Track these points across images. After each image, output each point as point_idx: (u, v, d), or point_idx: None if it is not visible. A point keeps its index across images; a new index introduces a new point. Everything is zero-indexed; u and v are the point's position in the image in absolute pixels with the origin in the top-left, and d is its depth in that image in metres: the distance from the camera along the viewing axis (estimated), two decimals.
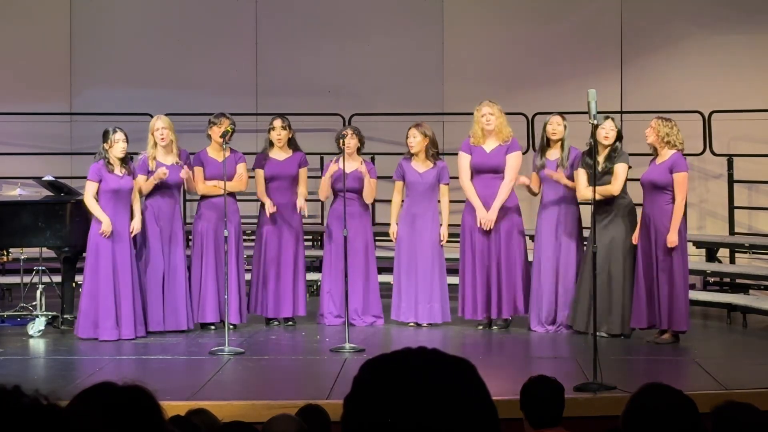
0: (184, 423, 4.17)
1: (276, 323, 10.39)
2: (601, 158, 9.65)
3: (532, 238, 10.44)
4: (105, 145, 9.69)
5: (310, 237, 12.36)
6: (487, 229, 10.06)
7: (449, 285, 10.39)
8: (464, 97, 12.77)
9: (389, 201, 10.68)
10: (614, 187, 9.67)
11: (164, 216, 9.96)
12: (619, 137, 9.83)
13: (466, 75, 13.42)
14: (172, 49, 13.60)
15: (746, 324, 10.46)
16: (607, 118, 9.76)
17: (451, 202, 10.47)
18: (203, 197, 10.29)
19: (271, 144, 10.42)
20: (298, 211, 10.26)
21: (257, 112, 13.37)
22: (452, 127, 12.86)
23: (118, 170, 9.66)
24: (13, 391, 1.78)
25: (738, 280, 11.74)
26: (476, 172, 10.15)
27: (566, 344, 9.63)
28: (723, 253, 12.03)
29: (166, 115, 10.18)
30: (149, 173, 9.90)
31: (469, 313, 10.17)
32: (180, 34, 13.65)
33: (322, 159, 11.95)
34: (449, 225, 10.37)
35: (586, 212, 9.89)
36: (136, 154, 10.15)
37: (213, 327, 10.10)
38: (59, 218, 9.94)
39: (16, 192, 10.35)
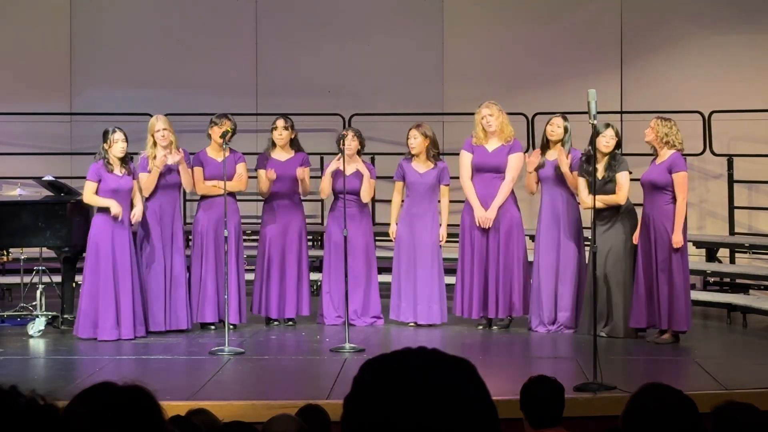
0: (184, 423, 4.17)
1: (276, 323, 10.38)
2: (600, 166, 9.64)
3: (532, 238, 10.44)
4: (105, 145, 9.69)
5: (311, 237, 12.36)
6: (485, 228, 10.06)
7: (448, 285, 10.39)
8: (464, 97, 12.77)
9: (389, 201, 10.68)
10: (620, 198, 9.68)
11: (165, 216, 9.96)
12: (618, 145, 9.82)
13: (466, 75, 13.42)
14: (172, 49, 13.59)
15: (746, 324, 10.46)
16: (607, 126, 9.73)
17: (451, 202, 10.47)
18: (203, 197, 10.29)
19: (273, 144, 10.42)
20: (299, 177, 10.23)
21: (257, 112, 13.37)
22: (452, 127, 12.86)
23: (118, 170, 9.66)
24: (10, 391, 1.77)
25: (738, 280, 11.74)
26: (477, 171, 10.16)
27: (566, 344, 9.63)
28: (723, 253, 12.03)
29: (166, 115, 10.17)
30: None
31: (462, 311, 10.16)
32: (180, 34, 13.65)
33: (322, 159, 11.95)
34: (449, 225, 10.37)
35: (586, 212, 9.88)
36: (136, 154, 10.15)
37: (213, 327, 10.10)
38: (59, 218, 9.94)
39: (16, 192, 10.34)
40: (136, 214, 9.69)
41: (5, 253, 10.59)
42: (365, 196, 10.37)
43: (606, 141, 9.65)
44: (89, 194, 9.65)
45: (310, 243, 10.95)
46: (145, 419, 2.22)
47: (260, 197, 10.74)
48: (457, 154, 10.46)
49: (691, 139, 11.23)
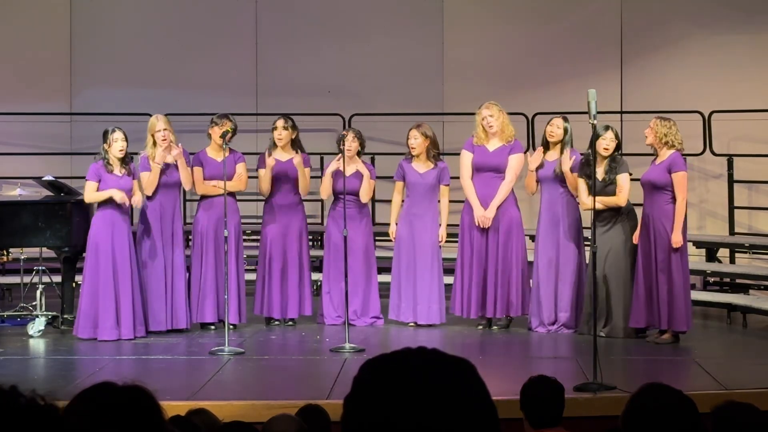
0: (184, 423, 4.17)
1: (277, 323, 10.38)
2: (601, 169, 9.63)
3: (532, 238, 10.44)
4: (105, 145, 9.69)
5: (311, 237, 12.36)
6: (483, 227, 10.06)
7: (447, 285, 10.39)
8: (464, 97, 12.77)
9: (389, 201, 10.68)
10: (620, 199, 9.68)
11: (165, 214, 9.96)
12: (618, 147, 9.81)
13: (466, 75, 13.42)
14: (172, 49, 13.59)
15: (746, 324, 10.46)
16: (607, 128, 9.72)
17: (451, 202, 10.47)
18: (203, 197, 10.29)
19: (274, 144, 10.41)
20: (295, 164, 10.23)
21: (257, 112, 13.37)
22: (452, 127, 12.86)
23: (118, 170, 9.66)
24: (10, 391, 1.77)
25: (738, 280, 11.74)
26: (477, 170, 10.16)
27: (566, 344, 9.63)
28: (723, 253, 12.03)
29: (166, 115, 10.16)
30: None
31: (461, 310, 10.16)
32: (180, 34, 13.65)
33: (322, 159, 11.95)
34: (449, 225, 10.37)
35: (585, 213, 9.88)
36: (136, 154, 10.14)
37: (213, 327, 10.10)
38: (59, 218, 9.94)
39: (16, 192, 10.34)
40: (137, 200, 9.68)
41: (5, 253, 10.59)
42: (364, 197, 10.37)
43: (606, 144, 9.65)
44: (90, 192, 9.64)
45: (310, 243, 10.94)
46: (145, 419, 2.22)
47: (260, 197, 10.74)
48: (457, 154, 10.46)
49: (691, 139, 11.23)
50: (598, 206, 9.04)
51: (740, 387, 7.46)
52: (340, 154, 10.15)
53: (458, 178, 10.27)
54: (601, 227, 9.64)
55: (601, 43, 13.25)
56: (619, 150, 9.85)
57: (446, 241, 10.43)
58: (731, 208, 12.16)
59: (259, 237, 10.74)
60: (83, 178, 9.94)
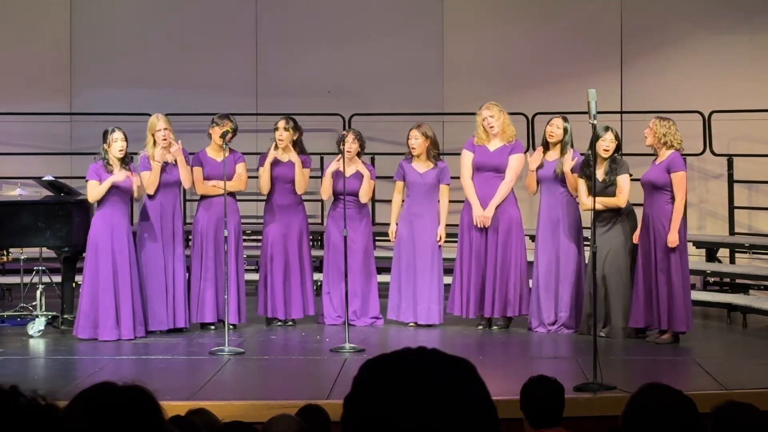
0: (184, 423, 4.17)
1: (279, 324, 10.37)
2: (601, 170, 9.63)
3: (532, 238, 10.44)
4: (104, 145, 9.69)
5: (311, 237, 12.36)
6: (482, 226, 10.07)
7: (446, 285, 10.39)
8: (464, 97, 12.78)
9: (389, 201, 10.68)
10: (620, 200, 9.67)
11: (166, 213, 9.96)
12: (618, 148, 9.80)
13: (466, 75, 13.42)
14: (172, 49, 13.59)
15: (746, 324, 10.46)
16: (607, 129, 9.72)
17: (451, 202, 10.47)
18: (203, 197, 10.28)
19: (276, 146, 10.39)
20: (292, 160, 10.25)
21: (257, 112, 13.37)
22: (452, 127, 12.86)
23: (117, 170, 9.65)
24: (10, 391, 1.77)
25: (738, 280, 11.74)
26: (477, 170, 10.17)
27: (566, 344, 9.63)
28: (723, 253, 12.03)
29: (166, 115, 10.16)
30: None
31: (457, 309, 10.16)
32: (180, 34, 13.65)
33: (322, 159, 11.95)
34: (448, 225, 10.37)
35: (585, 213, 9.88)
36: (136, 154, 10.14)
37: (213, 327, 10.10)
38: (59, 218, 9.94)
39: (16, 192, 10.34)
40: (137, 181, 9.66)
41: (5, 253, 10.59)
42: (364, 197, 10.37)
43: (606, 145, 9.64)
44: (93, 190, 9.60)
45: (310, 243, 10.94)
46: (145, 419, 2.22)
47: (260, 197, 10.74)
48: (457, 154, 10.46)
49: (691, 139, 11.23)
50: (598, 207, 9.03)
51: (740, 387, 7.46)
52: (340, 155, 10.15)
53: (458, 178, 10.28)
54: (601, 227, 9.64)
55: (601, 43, 13.25)
56: (619, 151, 9.84)
57: (445, 241, 10.43)
58: (731, 208, 12.16)
59: (259, 237, 10.74)
60: (83, 178, 9.94)
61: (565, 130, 10.01)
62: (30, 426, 1.74)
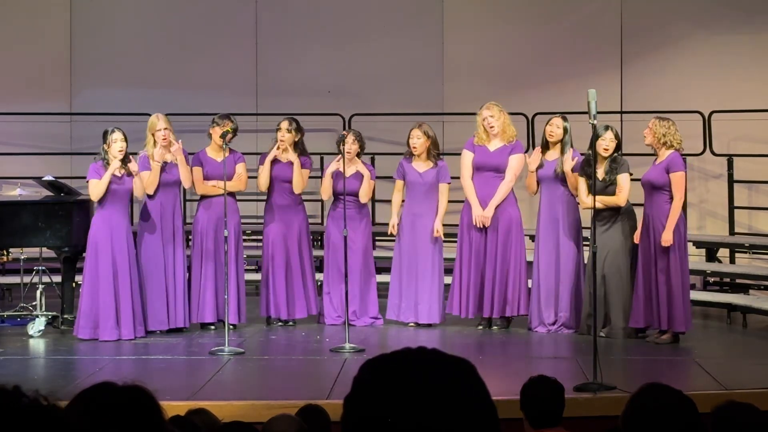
0: (184, 423, 4.17)
1: (280, 324, 10.36)
2: (601, 169, 9.63)
3: (532, 238, 10.44)
4: (104, 145, 9.68)
5: (311, 237, 12.36)
6: (481, 226, 10.07)
7: (446, 285, 10.39)
8: (464, 97, 12.78)
9: (389, 201, 10.68)
10: (620, 199, 9.67)
11: (166, 213, 9.96)
12: (618, 147, 9.80)
13: (466, 75, 13.42)
14: (172, 49, 13.60)
15: (746, 324, 10.46)
16: (607, 128, 9.72)
17: (451, 201, 10.46)
18: (203, 197, 10.29)
19: (277, 146, 10.37)
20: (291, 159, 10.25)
21: (257, 112, 13.37)
22: (452, 127, 12.86)
23: (118, 171, 9.65)
24: (13, 391, 1.77)
25: (738, 280, 11.74)
26: (477, 170, 10.17)
27: (566, 344, 9.63)
28: (723, 253, 12.03)
29: (166, 115, 10.16)
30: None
31: (456, 309, 10.16)
32: (180, 34, 13.65)
33: (322, 159, 11.95)
34: (448, 225, 10.37)
35: (585, 213, 9.89)
36: (135, 153, 10.14)
37: (213, 327, 10.10)
38: (59, 218, 9.94)
39: (16, 192, 10.34)
40: (135, 168, 9.64)
41: (5, 253, 10.59)
42: (363, 197, 10.37)
43: (605, 144, 9.64)
44: (94, 187, 9.59)
45: (311, 243, 10.94)
46: (145, 419, 2.22)
47: (260, 197, 10.74)
48: (457, 154, 10.47)
49: (691, 139, 11.23)
50: (598, 205, 9.03)
51: (740, 387, 7.46)
52: (340, 155, 10.15)
53: (458, 178, 10.28)
54: (601, 226, 9.64)
55: (601, 43, 13.25)
56: (619, 150, 9.84)
57: (445, 241, 10.44)
58: (731, 208, 12.16)
59: (259, 237, 10.74)
60: (83, 178, 9.94)
61: (565, 130, 10.01)
62: (32, 426, 1.74)
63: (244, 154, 10.43)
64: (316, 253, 11.32)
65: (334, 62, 13.55)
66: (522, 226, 10.22)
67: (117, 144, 9.60)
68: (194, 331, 10.04)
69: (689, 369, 8.54)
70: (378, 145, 12.47)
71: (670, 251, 9.31)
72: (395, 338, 9.88)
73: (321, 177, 10.62)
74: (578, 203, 9.96)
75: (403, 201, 10.42)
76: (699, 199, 12.70)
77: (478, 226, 10.08)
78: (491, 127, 10.11)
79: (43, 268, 10.41)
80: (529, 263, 10.20)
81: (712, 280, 11.88)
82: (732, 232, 12.12)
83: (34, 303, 10.09)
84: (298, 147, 10.38)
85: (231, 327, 9.46)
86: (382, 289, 10.52)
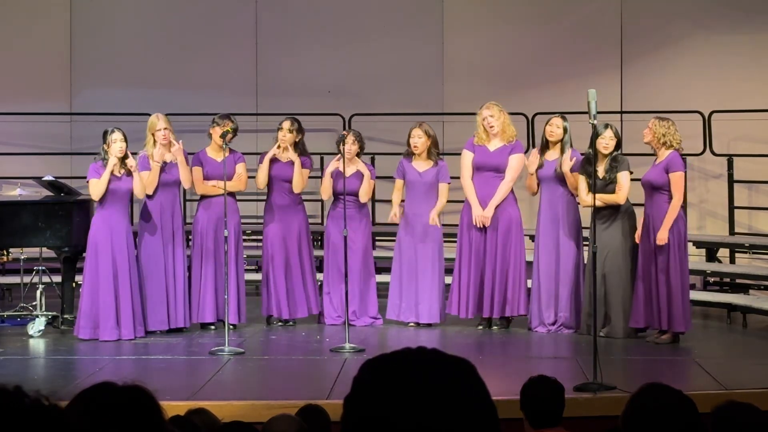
0: (184, 423, 4.17)
1: (280, 324, 10.36)
2: (601, 168, 9.63)
3: (532, 238, 10.44)
4: (104, 145, 9.68)
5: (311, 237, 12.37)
6: (481, 226, 10.07)
7: (446, 285, 10.40)
8: (464, 97, 12.78)
9: (389, 201, 10.68)
10: (620, 197, 9.66)
11: (165, 213, 9.96)
12: (618, 145, 9.80)
13: (466, 75, 13.42)
14: (172, 49, 13.60)
15: (746, 324, 10.46)
16: (607, 126, 9.72)
17: (450, 201, 10.46)
18: (203, 197, 10.29)
19: (278, 146, 10.37)
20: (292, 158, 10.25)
21: (257, 112, 13.37)
22: (452, 127, 12.86)
23: (117, 171, 9.65)
24: (14, 391, 1.78)
25: (738, 280, 11.74)
26: (477, 170, 10.17)
27: (566, 344, 9.63)
28: (723, 253, 12.03)
29: (166, 115, 10.16)
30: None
31: (455, 309, 10.16)
32: (180, 34, 13.65)
33: (322, 159, 11.95)
34: (448, 225, 10.37)
35: (585, 213, 9.89)
36: (135, 153, 10.14)
37: (213, 327, 10.10)
38: (59, 218, 9.94)
39: (16, 192, 10.35)
40: (132, 163, 9.63)
41: (5, 253, 10.59)
42: (363, 197, 10.37)
43: (605, 142, 9.64)
44: (94, 186, 9.58)
45: (311, 243, 10.94)
46: (145, 419, 2.22)
47: (260, 197, 10.74)
48: (457, 154, 10.47)
49: (691, 139, 11.23)
50: (598, 203, 9.04)
51: (740, 387, 7.46)
52: (340, 155, 10.15)
53: (458, 177, 10.28)
54: (600, 225, 9.63)
55: (601, 43, 13.25)
56: (619, 149, 9.84)
57: (445, 241, 10.44)
58: (731, 208, 12.16)
59: (259, 237, 10.74)
60: (83, 178, 9.94)
61: (565, 130, 10.01)
62: (34, 426, 1.75)
63: (244, 154, 10.43)
64: (316, 253, 11.32)
65: (334, 62, 13.55)
66: (522, 226, 10.22)
67: (117, 144, 9.60)
68: (194, 331, 10.04)
69: (689, 369, 8.54)
70: (378, 145, 12.47)
71: (670, 251, 9.31)
72: (395, 338, 9.88)
73: (321, 177, 10.63)
74: (578, 203, 9.96)
75: (402, 200, 10.42)
76: (699, 199, 12.70)
77: (478, 226, 10.09)
78: (491, 127, 10.12)
79: (43, 268, 10.41)
80: (529, 263, 10.20)
81: (712, 280, 11.88)
82: (732, 232, 12.12)
83: (34, 303, 10.09)
84: (299, 147, 10.38)
85: (231, 327, 9.46)
86: (382, 289, 10.52)
